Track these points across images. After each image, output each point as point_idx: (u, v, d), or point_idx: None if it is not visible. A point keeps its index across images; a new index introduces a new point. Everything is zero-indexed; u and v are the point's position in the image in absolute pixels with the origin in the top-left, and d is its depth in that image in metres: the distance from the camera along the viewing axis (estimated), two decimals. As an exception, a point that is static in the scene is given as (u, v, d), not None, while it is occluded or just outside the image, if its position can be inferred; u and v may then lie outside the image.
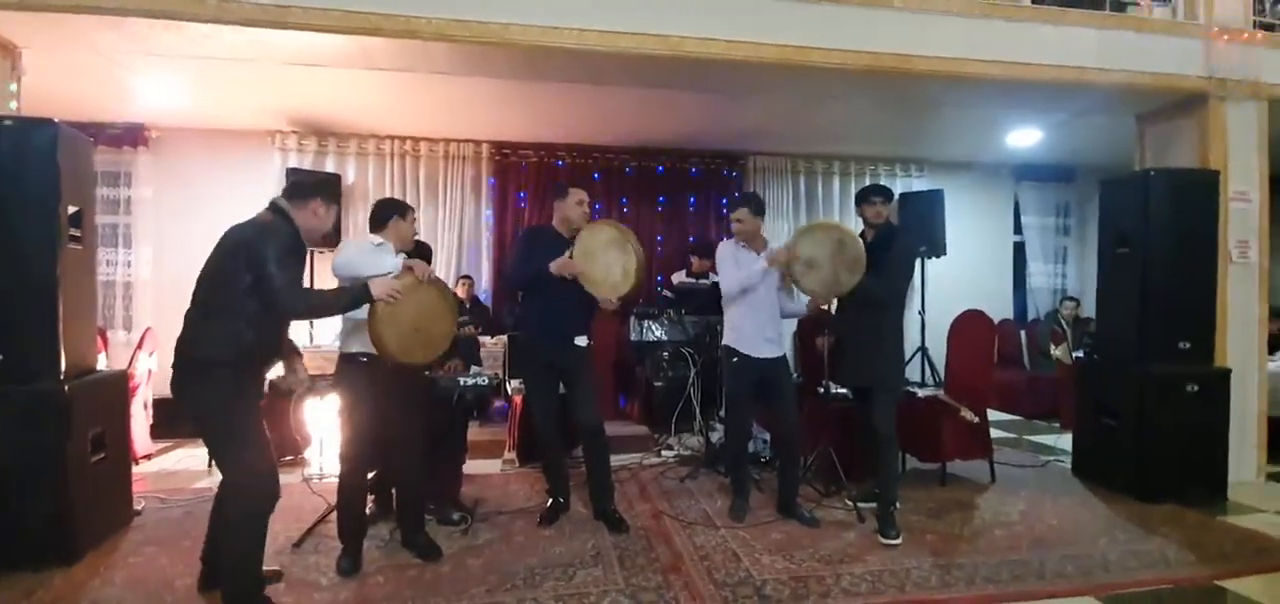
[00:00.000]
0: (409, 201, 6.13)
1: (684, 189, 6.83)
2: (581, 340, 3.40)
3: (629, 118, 5.63)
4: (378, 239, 2.94)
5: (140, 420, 4.60)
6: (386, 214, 3.01)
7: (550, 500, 3.56)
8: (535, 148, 6.46)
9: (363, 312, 2.68)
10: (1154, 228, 3.97)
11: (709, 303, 4.81)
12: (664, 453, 4.85)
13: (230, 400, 2.35)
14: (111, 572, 2.87)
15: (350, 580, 2.80)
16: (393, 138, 6.20)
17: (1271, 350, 4.79)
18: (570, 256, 3.29)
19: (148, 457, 4.68)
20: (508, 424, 4.77)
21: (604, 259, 3.31)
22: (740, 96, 4.92)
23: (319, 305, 2.73)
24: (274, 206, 2.54)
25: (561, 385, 3.47)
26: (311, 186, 2.63)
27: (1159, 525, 3.50)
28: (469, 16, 3.46)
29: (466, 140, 6.33)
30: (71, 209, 3.08)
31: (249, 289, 2.33)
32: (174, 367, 2.39)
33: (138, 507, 3.54)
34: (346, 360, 2.89)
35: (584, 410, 3.40)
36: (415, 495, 3.09)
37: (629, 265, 3.27)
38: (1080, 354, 5.58)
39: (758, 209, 3.60)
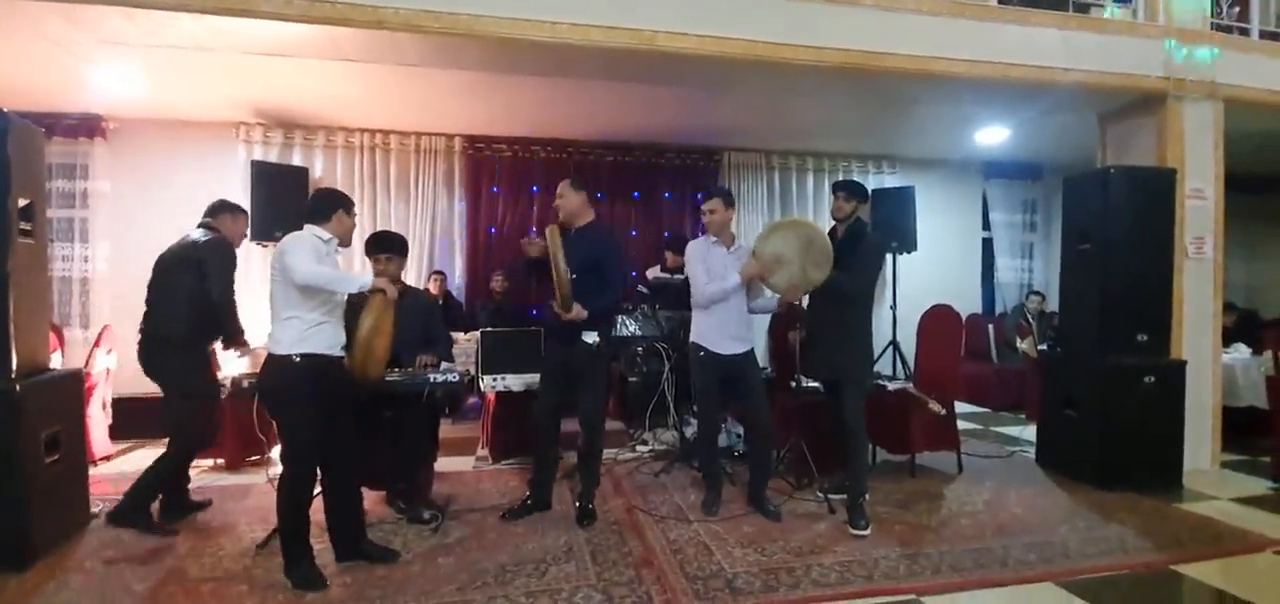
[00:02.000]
0: (379, 196, 6.13)
1: (659, 184, 6.84)
2: (590, 337, 3.37)
3: (604, 112, 5.61)
4: (326, 235, 2.79)
5: (99, 421, 4.47)
6: (332, 205, 2.86)
7: (527, 496, 3.53)
8: (509, 141, 6.40)
9: (301, 312, 2.68)
10: (1114, 224, 4.07)
11: (683, 298, 4.80)
12: (638, 448, 4.85)
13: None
14: (66, 575, 2.78)
15: (317, 581, 2.74)
16: (362, 130, 6.09)
17: (1226, 343, 4.96)
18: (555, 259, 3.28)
19: (107, 458, 4.54)
20: (481, 421, 4.73)
21: (556, 266, 3.26)
22: (714, 92, 4.93)
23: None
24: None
25: (570, 383, 3.46)
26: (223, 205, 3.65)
27: (1117, 512, 3.60)
28: (438, 7, 3.42)
29: (438, 133, 6.25)
30: (22, 202, 2.97)
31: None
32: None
33: (95, 510, 3.43)
34: (278, 362, 2.67)
35: (586, 407, 3.43)
36: (357, 501, 2.98)
37: (558, 278, 3.20)
38: (1045, 347, 5.71)
39: (729, 202, 3.62)
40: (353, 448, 2.92)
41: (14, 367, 2.89)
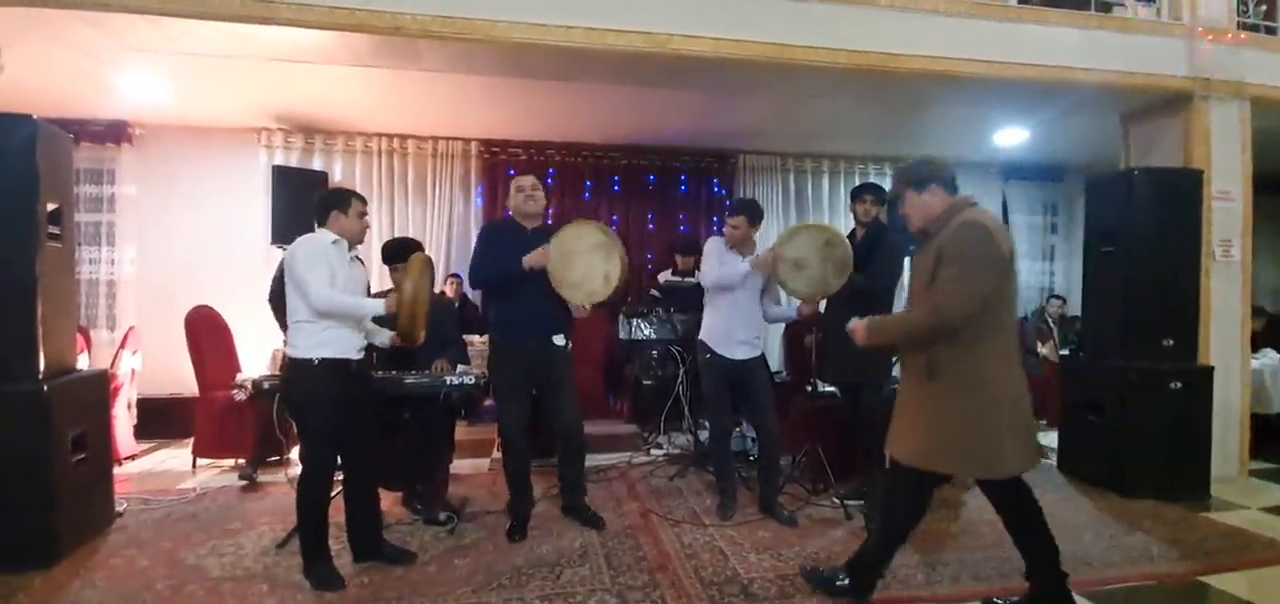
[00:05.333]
0: (397, 199, 6.19)
1: (674, 187, 6.83)
2: (559, 339, 3.27)
3: (619, 115, 5.62)
4: (333, 236, 2.79)
5: (123, 421, 4.56)
6: (326, 209, 2.82)
7: (514, 515, 3.33)
8: (525, 145, 6.43)
9: (313, 317, 2.68)
10: (1138, 226, 4.00)
11: (696, 301, 4.80)
12: (653, 451, 4.85)
13: None
14: (92, 574, 2.84)
15: (335, 582, 2.77)
16: (380, 135, 6.16)
17: (1254, 348, 4.84)
18: (546, 252, 3.13)
19: (131, 457, 4.63)
20: (496, 423, 4.74)
21: (585, 263, 3.15)
22: (729, 95, 4.92)
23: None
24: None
25: (536, 390, 3.33)
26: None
27: (1142, 521, 3.52)
28: (454, 13, 3.44)
29: (455, 138, 6.29)
30: (51, 207, 3.04)
31: None
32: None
33: (119, 508, 3.50)
34: (298, 365, 2.70)
35: (566, 414, 3.29)
36: (375, 502, 2.98)
37: (612, 273, 3.10)
38: (1066, 352, 5.62)
39: (755, 218, 3.56)
40: (371, 450, 2.94)
41: (42, 368, 2.95)
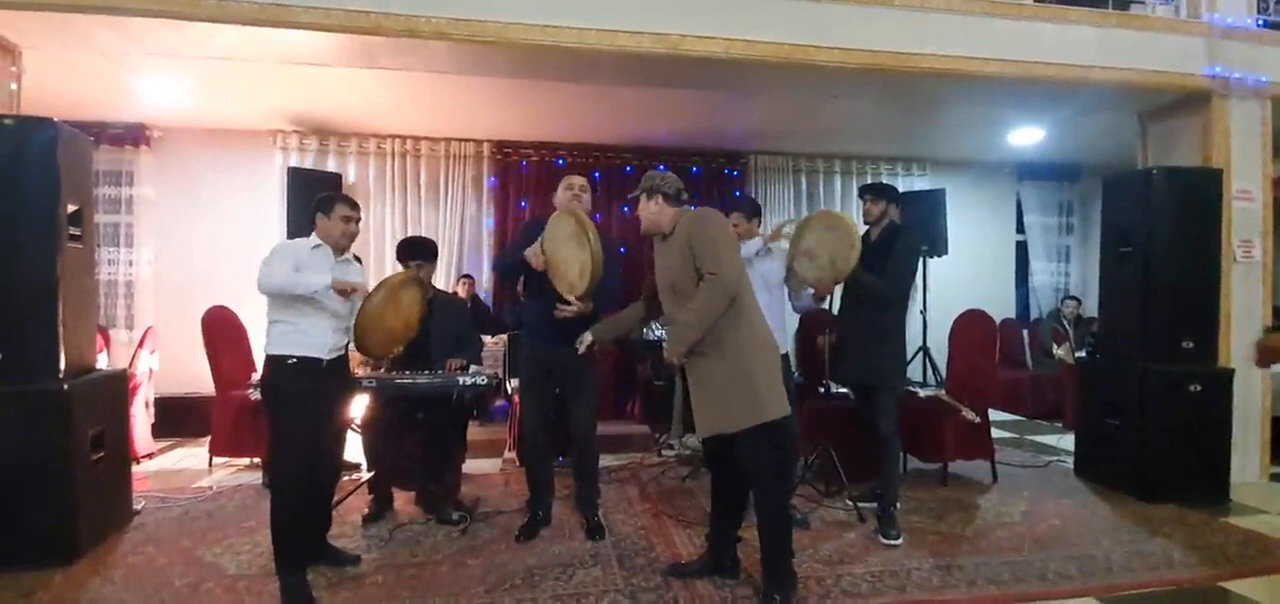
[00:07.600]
0: (410, 200, 6.23)
1: (685, 188, 6.80)
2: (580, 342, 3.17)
3: (630, 117, 5.62)
4: (315, 241, 2.75)
5: (141, 419, 4.61)
6: (313, 210, 2.81)
7: (530, 514, 3.35)
8: (536, 147, 6.46)
9: (285, 315, 2.65)
10: (1156, 226, 3.95)
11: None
12: (665, 452, 4.84)
13: None
14: (111, 571, 2.87)
15: (346, 580, 2.78)
16: (394, 137, 6.21)
17: (1275, 350, 4.77)
18: (541, 246, 3.06)
19: (149, 455, 4.69)
20: (508, 424, 4.77)
21: (565, 253, 3.02)
22: (741, 95, 4.91)
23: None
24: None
25: (558, 389, 3.30)
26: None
27: (1161, 526, 3.48)
28: (468, 15, 3.46)
29: (467, 139, 6.33)
30: (71, 208, 3.08)
31: None
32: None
33: (137, 506, 3.54)
34: (272, 361, 2.66)
35: (579, 417, 3.25)
36: (328, 505, 2.95)
37: (585, 263, 2.95)
38: (1082, 354, 5.56)
39: (752, 213, 3.58)
40: (335, 455, 2.92)
41: (62, 367, 2.99)
